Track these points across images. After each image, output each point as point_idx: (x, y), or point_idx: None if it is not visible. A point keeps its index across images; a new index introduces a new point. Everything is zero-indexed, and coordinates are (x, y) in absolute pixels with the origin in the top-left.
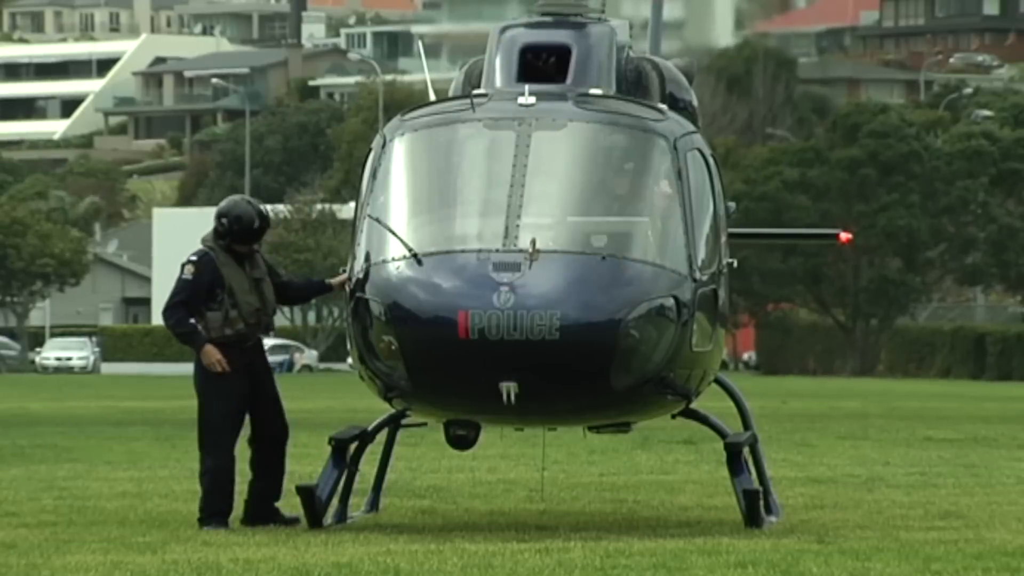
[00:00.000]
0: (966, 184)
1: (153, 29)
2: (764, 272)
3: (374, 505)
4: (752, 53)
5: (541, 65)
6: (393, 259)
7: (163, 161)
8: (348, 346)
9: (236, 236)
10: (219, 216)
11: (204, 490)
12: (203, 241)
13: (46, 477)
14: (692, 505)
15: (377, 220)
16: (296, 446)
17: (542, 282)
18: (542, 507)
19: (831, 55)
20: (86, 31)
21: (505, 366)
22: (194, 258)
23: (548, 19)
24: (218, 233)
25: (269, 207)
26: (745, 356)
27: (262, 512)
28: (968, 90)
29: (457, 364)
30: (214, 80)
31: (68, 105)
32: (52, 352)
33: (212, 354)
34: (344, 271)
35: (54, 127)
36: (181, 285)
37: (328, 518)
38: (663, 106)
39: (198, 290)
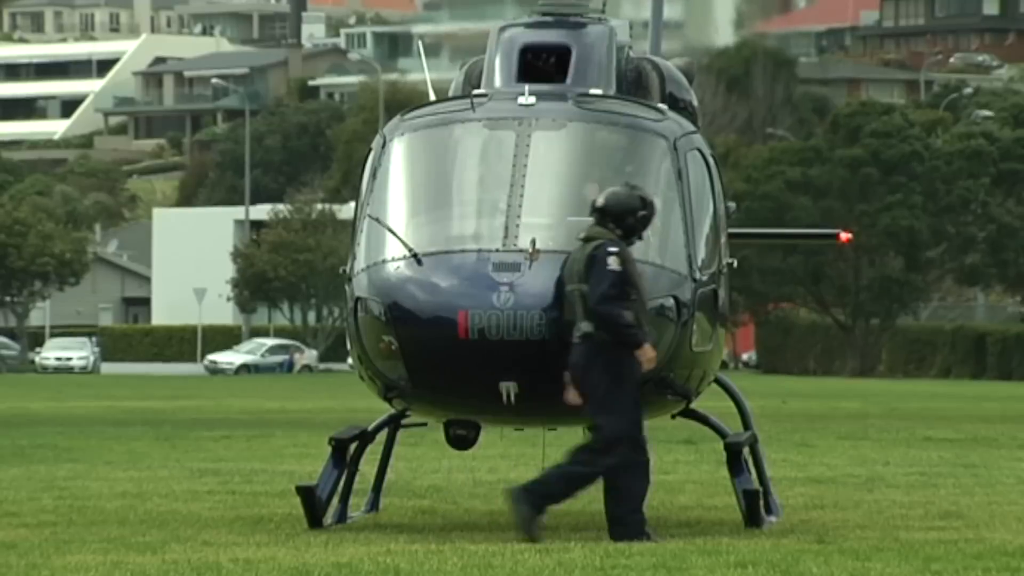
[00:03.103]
0: (967, 184)
1: (153, 29)
2: (764, 271)
3: (374, 505)
4: (751, 53)
5: (541, 65)
6: (393, 259)
7: (163, 161)
8: (348, 346)
9: (645, 225)
10: (631, 210)
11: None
12: (599, 236)
13: (46, 477)
14: (692, 505)
15: (377, 220)
16: (296, 446)
17: (542, 282)
18: None
19: (831, 55)
20: (86, 31)
21: (505, 366)
22: (614, 249)
23: (548, 19)
24: (630, 229)
25: (269, 207)
26: (745, 356)
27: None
28: (968, 90)
29: (457, 364)
30: (214, 80)
31: (68, 105)
32: (52, 352)
33: (650, 352)
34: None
35: (54, 127)
36: (616, 277)
37: (328, 518)
38: (663, 106)
39: (626, 283)
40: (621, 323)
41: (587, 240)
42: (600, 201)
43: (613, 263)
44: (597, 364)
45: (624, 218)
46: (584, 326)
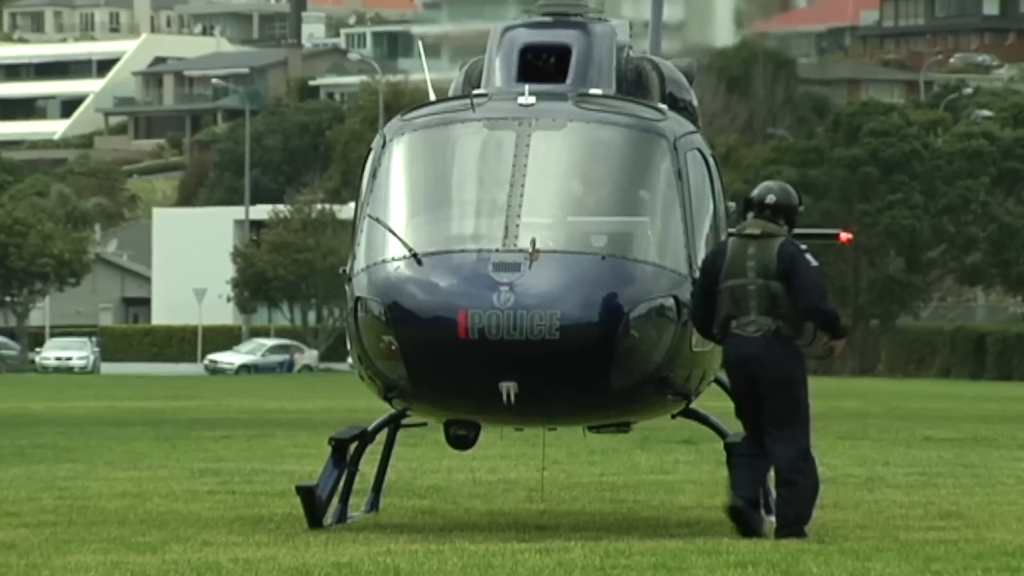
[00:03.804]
0: (967, 184)
1: (153, 29)
2: None
3: (374, 505)
4: (751, 53)
5: (541, 65)
6: (393, 259)
7: (163, 161)
8: (348, 346)
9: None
10: (796, 205)
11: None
12: (776, 232)
13: (46, 477)
14: (692, 505)
15: (377, 220)
16: (296, 446)
17: (542, 282)
18: (542, 507)
19: (831, 55)
20: (86, 31)
21: (505, 366)
22: (804, 247)
23: (548, 19)
24: (794, 223)
25: (269, 207)
26: None
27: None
28: (968, 90)
29: (457, 364)
30: (214, 80)
31: (68, 105)
32: (52, 352)
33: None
34: (343, 269)
35: (54, 127)
36: (821, 272)
37: (328, 518)
38: (663, 106)
39: None
40: (836, 316)
41: (763, 236)
42: (771, 199)
43: (813, 260)
44: (797, 363)
45: (792, 213)
46: (763, 321)
